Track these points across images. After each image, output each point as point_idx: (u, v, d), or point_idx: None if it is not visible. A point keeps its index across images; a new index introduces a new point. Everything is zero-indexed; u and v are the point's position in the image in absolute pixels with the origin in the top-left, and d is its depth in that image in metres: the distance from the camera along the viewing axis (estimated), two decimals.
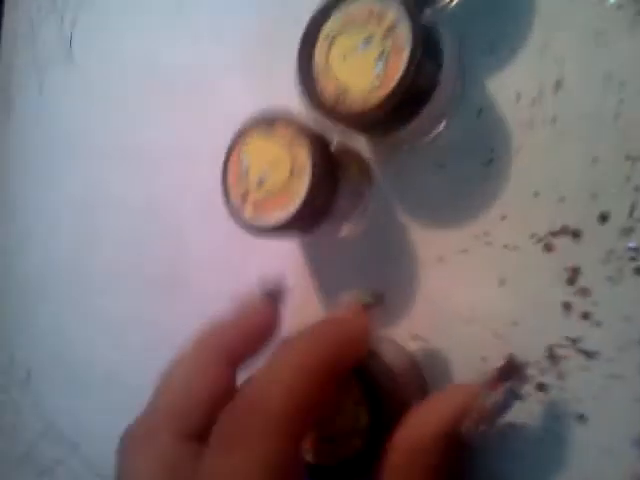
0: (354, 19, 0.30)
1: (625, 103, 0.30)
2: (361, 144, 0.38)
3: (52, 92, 0.60)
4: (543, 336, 0.32)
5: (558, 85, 0.32)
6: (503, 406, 0.28)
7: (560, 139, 0.32)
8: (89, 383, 0.56)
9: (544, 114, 0.33)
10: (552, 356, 0.32)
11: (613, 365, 0.31)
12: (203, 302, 0.47)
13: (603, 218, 0.31)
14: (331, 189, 0.34)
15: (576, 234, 0.32)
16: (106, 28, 0.55)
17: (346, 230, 0.39)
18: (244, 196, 0.33)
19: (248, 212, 0.33)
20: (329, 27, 0.31)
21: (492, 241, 0.34)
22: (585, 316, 0.31)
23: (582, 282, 0.31)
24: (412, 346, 0.37)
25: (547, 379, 0.32)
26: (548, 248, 0.32)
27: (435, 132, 0.35)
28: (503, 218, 0.34)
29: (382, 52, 0.29)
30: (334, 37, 0.31)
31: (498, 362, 0.29)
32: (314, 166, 0.32)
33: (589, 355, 0.31)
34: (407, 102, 0.30)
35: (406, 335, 0.37)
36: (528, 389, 0.33)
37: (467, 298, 0.35)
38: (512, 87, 0.34)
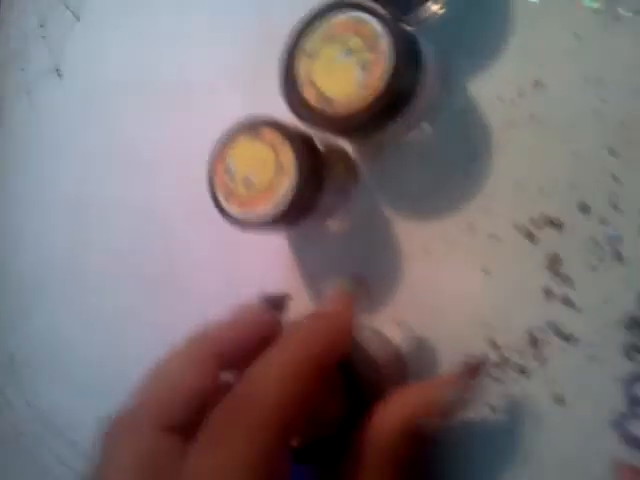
0: (335, 31, 0.32)
1: (603, 100, 0.32)
2: (346, 145, 0.40)
3: (44, 98, 0.61)
4: (524, 321, 0.34)
5: (537, 85, 0.34)
6: (464, 402, 0.29)
7: (540, 135, 0.34)
8: (76, 371, 0.56)
9: (524, 112, 0.34)
10: (533, 340, 0.33)
11: (591, 348, 0.32)
12: (198, 300, 0.48)
13: (583, 208, 0.33)
14: (316, 187, 0.35)
15: (557, 223, 0.33)
16: (93, 42, 0.56)
17: (333, 225, 0.40)
18: (231, 193, 0.34)
19: (235, 209, 0.34)
20: (310, 40, 0.32)
21: (476, 232, 0.35)
22: (565, 301, 0.33)
23: (563, 269, 0.33)
24: (397, 334, 0.37)
25: (527, 363, 0.33)
26: (530, 237, 0.34)
27: (419, 132, 0.37)
28: (486, 209, 0.35)
29: (363, 62, 0.31)
30: (316, 50, 0.32)
31: (469, 354, 0.30)
32: (299, 164, 0.33)
33: (568, 339, 0.32)
34: (389, 106, 0.31)
35: (392, 323, 0.38)
36: (509, 373, 0.34)
37: (451, 287, 0.36)
38: (493, 87, 0.35)
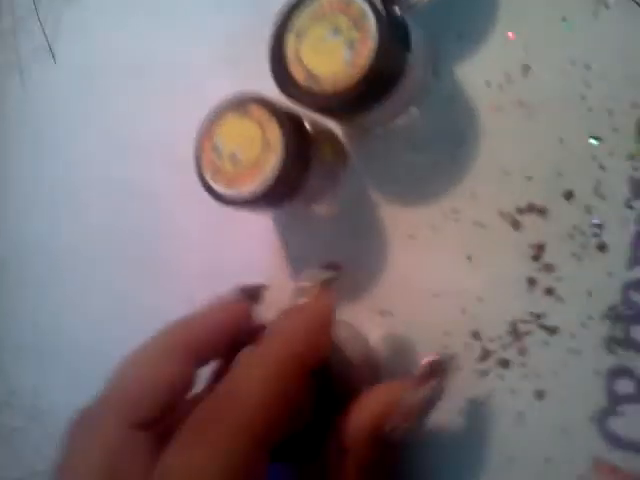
0: (323, 10, 0.32)
1: (590, 85, 0.32)
2: (334, 128, 0.39)
3: (35, 77, 0.61)
4: (507, 312, 0.33)
5: (525, 70, 0.34)
6: (428, 403, 0.28)
7: (527, 121, 0.33)
8: (55, 353, 0.56)
9: (512, 97, 0.34)
10: (515, 331, 0.32)
11: (574, 340, 0.31)
12: (183, 281, 0.47)
13: (568, 195, 0.32)
14: (303, 166, 0.35)
15: (542, 211, 0.32)
16: (89, 23, 0.57)
17: (320, 209, 0.40)
18: (217, 170, 0.34)
19: (221, 185, 0.34)
20: (298, 20, 0.32)
21: (461, 218, 0.35)
22: (549, 292, 0.32)
23: (547, 258, 0.32)
24: (377, 326, 0.37)
25: (509, 355, 0.32)
26: (515, 225, 0.33)
27: (407, 116, 0.37)
28: (472, 196, 0.34)
29: (350, 41, 0.31)
30: (303, 30, 0.32)
31: (429, 356, 0.29)
32: (286, 141, 0.32)
33: (551, 330, 0.31)
34: (376, 85, 0.31)
35: (374, 310, 0.37)
36: (489, 365, 0.33)
37: (435, 274, 0.35)
38: (481, 72, 0.35)
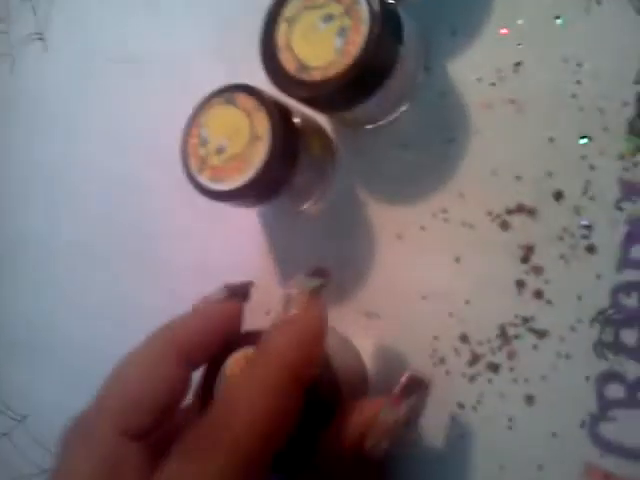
0: None
1: (582, 84, 0.31)
2: (324, 124, 0.39)
3: (24, 70, 0.61)
4: (495, 315, 0.32)
5: (517, 67, 0.33)
6: (406, 422, 0.28)
7: (518, 119, 0.33)
8: (39, 356, 0.55)
9: (503, 95, 0.34)
10: (503, 335, 0.32)
11: (563, 344, 0.31)
12: (169, 274, 0.47)
13: (558, 196, 0.32)
14: (290, 159, 0.34)
15: (531, 212, 0.32)
16: (80, 12, 0.56)
17: (308, 206, 0.39)
18: (203, 162, 0.34)
19: (206, 177, 0.33)
20: (289, 8, 0.32)
21: (449, 218, 0.34)
22: (537, 295, 0.32)
23: (536, 260, 0.32)
24: (366, 323, 0.36)
25: (497, 359, 0.32)
26: (504, 226, 0.33)
27: (398, 112, 0.36)
28: (461, 196, 0.34)
29: (342, 28, 0.30)
30: (295, 17, 0.32)
31: (412, 370, 0.29)
32: (273, 133, 0.32)
33: (540, 334, 0.31)
34: (366, 76, 0.31)
35: (360, 312, 0.37)
36: (479, 369, 0.32)
37: (423, 275, 0.35)
38: (473, 69, 0.35)
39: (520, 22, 0.33)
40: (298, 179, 0.35)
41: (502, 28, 0.34)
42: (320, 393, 0.27)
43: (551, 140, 0.32)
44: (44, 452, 0.53)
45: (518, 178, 0.33)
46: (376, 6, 0.30)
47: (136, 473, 0.26)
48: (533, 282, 0.32)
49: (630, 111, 0.30)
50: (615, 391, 0.29)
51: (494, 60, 0.34)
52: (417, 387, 0.28)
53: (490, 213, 0.33)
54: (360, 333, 0.37)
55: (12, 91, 0.61)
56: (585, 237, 0.31)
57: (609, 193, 0.30)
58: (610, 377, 0.29)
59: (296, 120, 0.35)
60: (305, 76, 0.31)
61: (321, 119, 0.39)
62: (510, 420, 0.31)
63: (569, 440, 0.29)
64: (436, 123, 0.36)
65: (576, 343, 0.30)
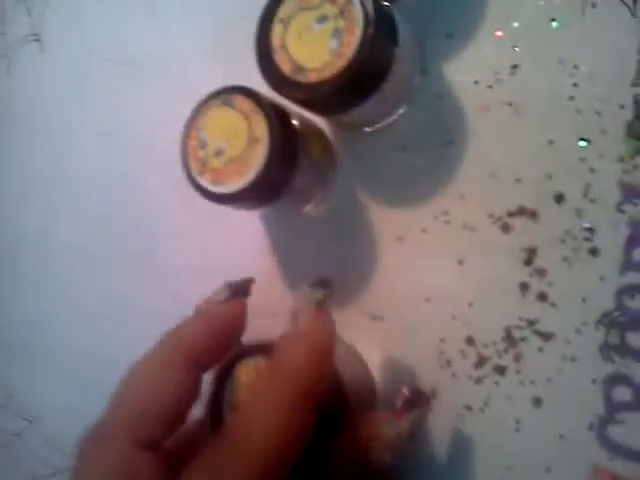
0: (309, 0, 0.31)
1: (579, 86, 0.32)
2: (323, 127, 0.39)
3: (21, 71, 0.60)
4: (500, 317, 0.33)
5: (514, 69, 0.33)
6: (409, 435, 0.28)
7: (516, 122, 0.33)
8: (52, 358, 0.55)
9: (500, 98, 0.34)
10: (509, 337, 0.32)
11: (569, 347, 0.31)
12: (170, 276, 0.47)
13: (558, 198, 0.32)
14: (290, 161, 0.34)
15: (532, 214, 0.32)
16: (75, 13, 0.56)
17: (309, 208, 0.39)
18: (204, 164, 0.34)
19: (206, 179, 0.33)
20: (284, 9, 0.32)
21: (451, 221, 0.35)
22: (541, 297, 0.32)
23: (538, 262, 0.32)
24: (371, 325, 0.37)
25: (504, 361, 0.33)
26: (505, 228, 0.33)
27: (395, 115, 0.36)
28: (461, 198, 0.34)
29: (336, 29, 0.30)
30: (289, 18, 0.32)
31: (411, 385, 0.30)
32: (271, 135, 0.32)
33: (545, 337, 0.32)
34: (362, 77, 0.31)
35: (365, 314, 0.37)
36: (485, 371, 0.33)
37: (426, 278, 0.35)
38: (469, 71, 0.35)
39: (515, 25, 0.33)
40: (298, 181, 0.35)
41: (497, 30, 0.34)
42: (328, 404, 0.28)
43: (550, 143, 0.32)
44: (56, 453, 0.54)
45: (518, 180, 0.33)
46: (370, 8, 0.30)
47: None
48: (537, 285, 0.32)
49: (628, 114, 0.30)
50: (622, 394, 0.29)
51: (490, 63, 0.34)
52: (418, 400, 0.28)
53: (491, 215, 0.34)
54: (365, 336, 0.37)
55: (9, 92, 0.60)
56: (587, 240, 0.31)
57: (610, 196, 0.31)
58: (617, 380, 0.29)
59: (294, 122, 0.35)
60: (301, 78, 0.31)
61: (320, 122, 0.39)
62: (517, 422, 0.32)
63: (577, 442, 0.30)
64: (434, 126, 0.36)
65: (582, 346, 0.31)
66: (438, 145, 0.36)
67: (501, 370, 0.33)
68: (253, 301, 0.33)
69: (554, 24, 0.32)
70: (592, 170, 0.31)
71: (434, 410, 0.34)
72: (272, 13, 0.32)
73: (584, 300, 0.31)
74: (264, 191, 0.34)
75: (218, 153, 0.33)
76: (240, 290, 0.32)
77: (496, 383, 0.33)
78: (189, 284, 0.45)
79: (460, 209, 0.35)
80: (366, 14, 0.30)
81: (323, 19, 0.31)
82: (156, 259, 0.48)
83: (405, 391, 0.28)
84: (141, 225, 0.49)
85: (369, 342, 0.37)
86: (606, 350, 0.30)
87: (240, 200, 0.33)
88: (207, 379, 0.30)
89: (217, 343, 0.30)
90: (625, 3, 0.30)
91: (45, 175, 0.57)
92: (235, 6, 0.43)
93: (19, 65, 0.60)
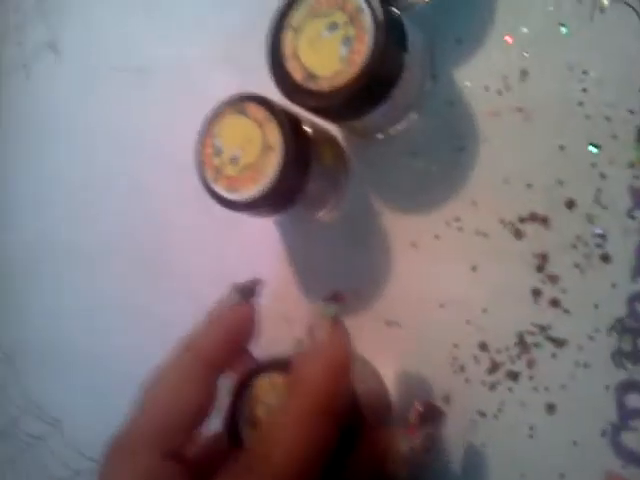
0: (319, 7, 0.32)
1: (588, 92, 0.32)
2: (335, 133, 0.40)
3: (39, 79, 0.62)
4: (513, 323, 0.33)
5: (523, 75, 0.34)
6: (423, 449, 0.29)
7: (527, 127, 0.34)
8: (72, 362, 0.57)
9: (510, 103, 0.34)
10: (522, 343, 0.33)
11: (582, 353, 0.31)
12: (186, 283, 0.48)
13: (569, 204, 0.32)
14: (303, 168, 0.35)
15: (544, 220, 0.33)
16: (91, 20, 0.57)
17: (323, 215, 0.40)
18: (218, 172, 0.34)
19: (221, 187, 0.34)
20: (295, 17, 0.33)
21: (463, 227, 0.35)
22: (554, 303, 0.32)
23: (551, 268, 0.32)
24: (387, 331, 0.38)
25: (517, 367, 0.33)
26: (517, 234, 0.33)
27: (407, 121, 0.37)
28: (473, 204, 0.35)
29: (346, 37, 0.31)
30: (300, 26, 0.32)
31: (423, 401, 0.30)
32: (285, 143, 0.33)
33: (558, 343, 0.32)
34: (373, 84, 0.31)
35: (380, 320, 0.38)
36: (498, 377, 0.33)
37: (440, 284, 0.36)
38: (479, 77, 0.35)
39: (525, 30, 0.34)
40: (311, 188, 0.36)
41: (507, 36, 0.34)
42: (344, 418, 0.28)
43: (561, 148, 0.32)
44: (76, 455, 0.55)
45: (529, 186, 0.33)
46: (380, 15, 0.30)
47: None
48: (549, 291, 0.32)
49: (638, 119, 0.30)
50: (635, 401, 0.30)
51: (500, 68, 0.34)
52: (432, 415, 0.29)
53: (503, 221, 0.34)
54: (380, 342, 0.38)
55: (28, 100, 0.62)
56: (599, 246, 0.31)
57: (620, 202, 0.31)
58: (630, 387, 0.30)
59: (307, 129, 0.35)
60: (312, 85, 0.32)
61: (332, 129, 0.40)
62: (531, 428, 0.32)
63: (590, 449, 0.30)
64: (445, 132, 0.36)
65: (595, 352, 0.31)
66: (449, 151, 0.36)
67: (514, 376, 0.33)
68: (267, 306, 0.34)
69: (563, 29, 0.32)
70: (603, 176, 0.31)
71: (448, 416, 0.34)
72: (283, 21, 0.33)
73: (596, 306, 0.31)
74: (278, 198, 0.35)
75: (233, 160, 0.34)
76: (249, 292, 0.33)
77: (509, 389, 0.33)
78: (205, 291, 0.45)
79: (472, 215, 0.35)
80: (376, 22, 0.30)
81: (333, 27, 0.32)
82: (172, 266, 0.49)
83: (418, 406, 0.29)
84: (157, 232, 0.50)
85: (383, 349, 0.38)
86: (619, 357, 0.30)
87: (254, 207, 0.34)
88: (224, 394, 0.31)
89: (231, 347, 0.31)
90: (633, 8, 0.30)
91: (61, 182, 0.59)
92: (248, 14, 0.44)
93: (36, 74, 0.62)
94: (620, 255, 0.31)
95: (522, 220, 0.33)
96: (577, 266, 0.32)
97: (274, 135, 0.33)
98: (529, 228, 0.33)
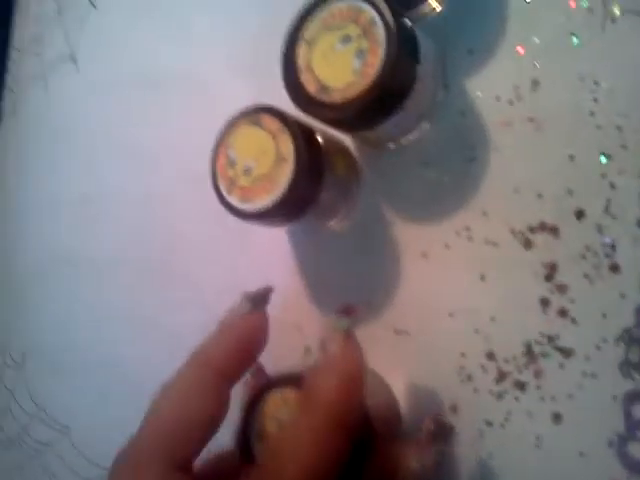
0: (332, 20, 0.33)
1: (599, 102, 0.32)
2: (347, 143, 0.40)
3: (57, 90, 0.63)
4: (521, 333, 0.34)
5: (535, 85, 0.34)
6: (434, 465, 0.29)
7: (538, 137, 0.34)
8: (82, 370, 0.57)
9: (522, 113, 0.34)
10: (529, 353, 0.33)
11: (589, 364, 0.32)
12: (197, 294, 0.49)
13: (579, 214, 0.32)
14: (316, 178, 0.36)
15: (553, 230, 0.33)
16: (108, 31, 0.58)
17: (334, 224, 0.41)
18: (232, 182, 0.35)
19: (235, 197, 0.35)
20: (309, 29, 0.33)
21: (473, 236, 0.35)
22: (562, 313, 0.32)
23: (559, 278, 0.33)
24: (396, 340, 0.38)
25: (524, 377, 0.33)
26: (527, 244, 0.34)
27: (419, 131, 0.37)
28: (484, 214, 0.35)
29: (360, 50, 0.32)
30: (314, 39, 0.33)
31: (433, 416, 0.30)
32: (298, 155, 0.34)
33: (565, 353, 0.32)
34: (385, 96, 0.32)
35: (389, 328, 0.38)
36: (506, 386, 0.33)
37: (449, 293, 0.36)
38: (491, 87, 0.36)
39: (536, 40, 0.34)
40: (324, 197, 0.37)
41: (518, 46, 0.35)
42: (356, 432, 0.29)
43: (571, 158, 0.33)
44: (85, 462, 0.55)
45: (539, 196, 0.34)
46: (392, 27, 0.31)
47: None
48: (557, 300, 0.33)
49: None
50: None
51: (511, 78, 0.35)
52: (443, 432, 0.29)
53: (513, 231, 0.34)
54: (389, 351, 0.38)
55: (46, 110, 0.64)
56: (608, 256, 0.31)
57: (630, 212, 0.31)
58: (637, 397, 0.30)
59: (320, 139, 0.36)
60: (325, 97, 0.32)
61: (344, 139, 0.40)
62: (538, 438, 0.32)
63: (596, 459, 0.30)
64: (457, 142, 0.37)
65: (602, 362, 0.31)
66: (461, 161, 0.36)
67: (521, 386, 0.33)
68: (278, 314, 0.34)
69: (574, 40, 0.33)
70: (613, 186, 0.32)
71: (455, 425, 0.34)
72: (297, 34, 0.34)
73: (604, 316, 0.31)
74: (291, 208, 0.36)
75: (246, 171, 0.35)
76: (260, 300, 0.33)
77: (516, 399, 0.33)
78: (217, 301, 0.46)
79: (482, 225, 0.36)
80: (389, 35, 0.31)
81: (347, 40, 0.32)
82: (183, 277, 0.50)
83: (429, 424, 0.29)
84: (168, 243, 0.51)
85: (392, 358, 0.38)
86: (626, 367, 0.30)
87: (267, 217, 0.35)
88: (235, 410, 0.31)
89: (243, 356, 0.31)
90: None
91: (75, 192, 0.60)
92: (264, 26, 0.45)
93: (55, 84, 0.63)
94: (629, 265, 0.31)
95: (532, 230, 0.34)
96: (586, 276, 0.32)
97: (287, 146, 0.34)
98: (539, 238, 0.34)
